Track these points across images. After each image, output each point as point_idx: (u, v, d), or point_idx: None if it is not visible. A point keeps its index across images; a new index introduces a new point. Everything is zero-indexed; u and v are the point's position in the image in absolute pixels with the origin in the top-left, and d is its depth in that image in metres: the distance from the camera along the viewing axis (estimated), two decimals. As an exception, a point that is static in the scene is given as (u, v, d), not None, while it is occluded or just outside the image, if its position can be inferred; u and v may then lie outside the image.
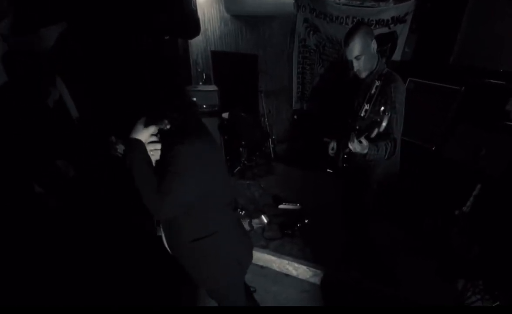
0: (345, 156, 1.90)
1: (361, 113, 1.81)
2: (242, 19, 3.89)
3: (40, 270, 2.18)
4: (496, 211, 2.19)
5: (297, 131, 4.25)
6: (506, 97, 2.48)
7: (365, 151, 1.59)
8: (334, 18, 3.36)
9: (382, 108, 1.48)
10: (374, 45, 1.73)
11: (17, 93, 2.09)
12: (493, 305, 1.93)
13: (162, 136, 1.27)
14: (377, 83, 1.73)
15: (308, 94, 3.95)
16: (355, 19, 3.23)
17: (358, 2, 3.19)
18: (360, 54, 1.72)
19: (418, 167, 2.89)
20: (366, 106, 1.79)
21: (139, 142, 1.21)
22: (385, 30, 3.14)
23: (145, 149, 1.22)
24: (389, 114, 1.52)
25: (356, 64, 1.77)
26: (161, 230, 1.42)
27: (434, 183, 2.76)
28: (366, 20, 3.18)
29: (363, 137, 1.53)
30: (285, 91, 4.10)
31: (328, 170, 2.09)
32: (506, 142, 2.27)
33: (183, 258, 1.40)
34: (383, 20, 3.11)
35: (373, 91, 1.74)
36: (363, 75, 1.81)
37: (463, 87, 2.62)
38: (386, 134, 1.66)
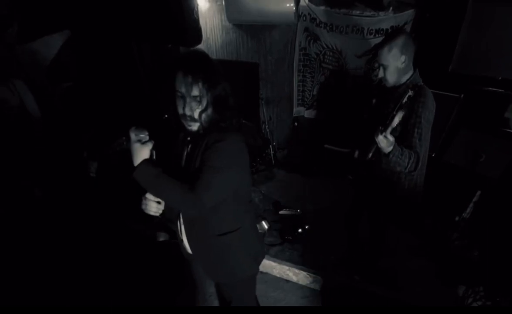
0: (372, 158, 1.81)
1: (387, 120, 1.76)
2: (243, 28, 3.95)
3: (37, 269, 2.16)
4: (495, 216, 2.19)
5: (297, 138, 4.27)
6: (504, 105, 2.50)
7: (390, 148, 1.57)
8: (334, 27, 3.41)
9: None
10: (404, 60, 1.69)
11: None
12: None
13: (195, 135, 1.26)
14: (410, 93, 1.66)
15: (309, 102, 3.99)
16: (355, 29, 3.29)
17: (358, 12, 3.24)
18: (386, 64, 1.71)
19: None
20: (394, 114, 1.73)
21: (145, 163, 1.16)
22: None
23: (153, 163, 1.19)
24: (403, 114, 1.51)
25: (381, 72, 1.75)
26: (181, 227, 1.43)
27: (434, 189, 2.76)
28: (366, 29, 3.23)
29: (388, 132, 1.52)
30: (285, 99, 4.13)
31: (349, 177, 2.04)
32: (505, 148, 2.29)
33: (204, 252, 1.42)
34: (382, 30, 3.15)
35: (404, 100, 1.67)
36: (388, 85, 1.78)
37: (462, 95, 2.64)
38: (409, 147, 1.66)
